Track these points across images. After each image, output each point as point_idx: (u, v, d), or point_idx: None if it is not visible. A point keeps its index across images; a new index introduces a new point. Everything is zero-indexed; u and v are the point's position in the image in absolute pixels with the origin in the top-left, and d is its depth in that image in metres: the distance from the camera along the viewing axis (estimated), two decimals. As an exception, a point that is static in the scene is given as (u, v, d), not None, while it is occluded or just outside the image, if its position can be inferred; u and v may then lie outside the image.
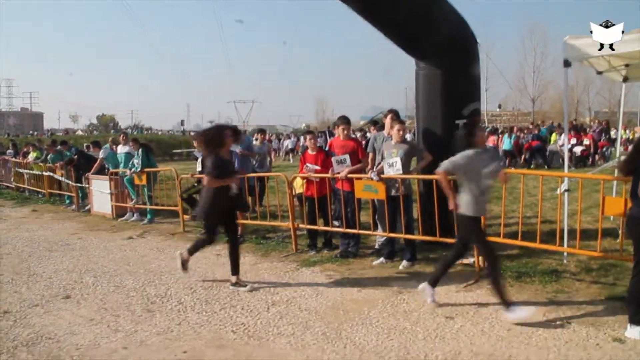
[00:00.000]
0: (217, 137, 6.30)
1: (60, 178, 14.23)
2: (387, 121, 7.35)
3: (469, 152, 5.13)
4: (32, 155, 16.41)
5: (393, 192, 6.87)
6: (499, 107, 60.22)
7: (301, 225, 8.07)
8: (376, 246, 7.77)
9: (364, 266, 7.02)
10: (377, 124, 8.46)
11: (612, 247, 6.52)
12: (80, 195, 13.37)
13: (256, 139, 10.95)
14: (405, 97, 58.59)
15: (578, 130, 21.64)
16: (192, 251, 6.45)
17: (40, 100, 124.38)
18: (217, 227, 6.39)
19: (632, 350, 4.36)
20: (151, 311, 5.60)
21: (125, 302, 5.93)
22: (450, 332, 4.83)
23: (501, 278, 5.11)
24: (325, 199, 7.63)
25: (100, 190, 12.11)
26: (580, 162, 19.41)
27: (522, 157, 21.14)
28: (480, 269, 6.32)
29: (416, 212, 7.30)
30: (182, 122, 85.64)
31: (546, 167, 19.75)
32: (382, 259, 7.12)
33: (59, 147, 15.28)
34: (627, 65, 7.54)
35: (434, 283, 5.45)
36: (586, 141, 20.64)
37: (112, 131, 66.06)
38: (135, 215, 11.36)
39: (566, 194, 6.47)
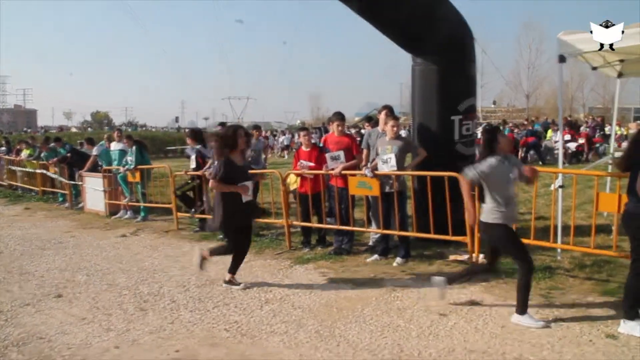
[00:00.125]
0: (232, 138, 6.03)
1: (53, 175, 14.14)
2: (382, 117, 7.32)
3: (493, 161, 4.86)
4: (25, 153, 16.31)
5: (387, 189, 6.86)
6: (494, 103, 60.30)
7: (295, 223, 8.05)
8: (370, 243, 7.76)
9: (358, 263, 6.99)
10: (372, 120, 8.43)
11: (606, 244, 6.51)
12: (73, 192, 13.30)
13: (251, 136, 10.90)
14: (400, 93, 58.58)
15: (572, 127, 21.67)
16: (216, 253, 6.29)
17: (33, 97, 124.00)
18: (242, 233, 6.20)
19: (625, 347, 4.36)
20: (144, 310, 5.56)
21: (118, 300, 5.89)
22: (444, 330, 4.81)
23: (531, 287, 4.95)
24: (319, 195, 7.60)
25: (93, 188, 12.04)
26: (574, 158, 19.44)
27: (519, 153, 21.16)
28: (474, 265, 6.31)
29: (410, 208, 7.29)
30: (176, 119, 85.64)
31: (541, 163, 19.77)
32: (376, 256, 7.10)
33: (52, 144, 15.19)
34: (621, 61, 7.53)
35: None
36: (581, 140, 20.67)
37: (106, 128, 65.78)
38: (128, 212, 11.30)
39: (560, 190, 6.46)
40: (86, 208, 12.40)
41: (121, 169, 11.09)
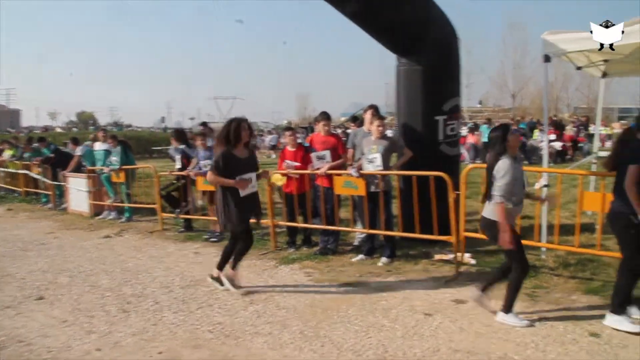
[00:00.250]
0: (235, 131, 5.74)
1: (36, 176, 14.00)
2: (367, 117, 7.30)
3: (507, 162, 4.74)
4: (7, 153, 16.12)
5: (373, 188, 6.83)
6: (480, 103, 60.51)
7: (280, 223, 8.01)
8: (355, 243, 7.75)
9: (343, 263, 6.97)
10: (357, 120, 8.41)
11: (590, 242, 6.53)
12: (57, 193, 13.17)
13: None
14: (386, 93, 58.64)
15: (558, 126, 21.79)
16: (236, 263, 6.03)
17: (17, 97, 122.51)
18: (246, 226, 5.96)
19: (608, 345, 4.39)
20: (127, 311, 5.50)
21: (101, 302, 5.82)
22: (429, 329, 4.80)
23: (521, 288, 4.93)
24: (305, 195, 7.57)
25: (77, 188, 11.93)
26: (559, 157, 19.56)
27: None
28: (459, 265, 6.33)
29: (396, 208, 7.28)
30: (162, 119, 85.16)
31: (526, 162, 19.87)
32: (361, 256, 7.08)
33: (35, 144, 15.03)
34: (606, 61, 7.57)
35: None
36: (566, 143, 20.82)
37: (90, 128, 65.23)
38: (112, 213, 11.20)
39: (545, 189, 6.47)
40: (70, 209, 12.28)
41: (105, 169, 10.99)
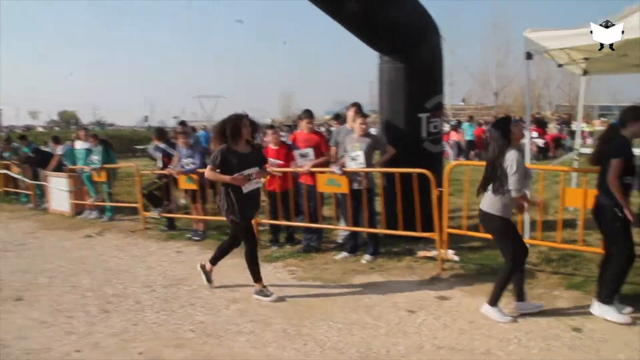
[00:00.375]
0: (234, 127, 5.51)
1: (16, 176, 13.81)
2: (350, 115, 7.28)
3: (516, 154, 4.69)
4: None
5: (356, 186, 6.82)
6: (463, 101, 60.85)
7: (263, 221, 7.97)
8: (339, 240, 7.72)
9: (327, 261, 6.94)
10: (340, 117, 8.40)
11: (572, 238, 6.58)
12: (37, 193, 12.98)
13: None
14: (370, 91, 58.71)
15: (540, 124, 21.97)
16: (256, 272, 5.78)
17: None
18: (252, 229, 5.91)
19: (589, 339, 4.42)
20: (107, 311, 5.43)
21: (81, 302, 5.74)
22: (412, 326, 4.80)
23: (508, 284, 4.92)
24: (288, 193, 7.53)
25: (58, 188, 11.77)
26: (541, 153, 19.73)
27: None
28: (443, 262, 6.34)
29: (379, 205, 7.27)
30: (145, 118, 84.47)
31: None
32: (344, 253, 7.06)
33: (14, 143, 14.83)
34: (586, 59, 7.61)
35: (493, 302, 4.93)
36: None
37: (72, 127, 64.52)
38: (94, 212, 11.07)
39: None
40: (51, 209, 12.11)
41: (86, 169, 10.86)
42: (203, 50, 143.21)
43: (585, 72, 8.31)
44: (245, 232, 5.79)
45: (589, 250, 5.94)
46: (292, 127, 15.53)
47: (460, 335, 4.60)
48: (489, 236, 6.30)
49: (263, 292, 5.66)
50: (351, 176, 6.80)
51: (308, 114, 7.59)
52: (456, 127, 22.50)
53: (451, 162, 9.52)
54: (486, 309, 4.90)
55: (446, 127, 21.44)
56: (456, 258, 6.64)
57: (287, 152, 7.57)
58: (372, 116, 11.55)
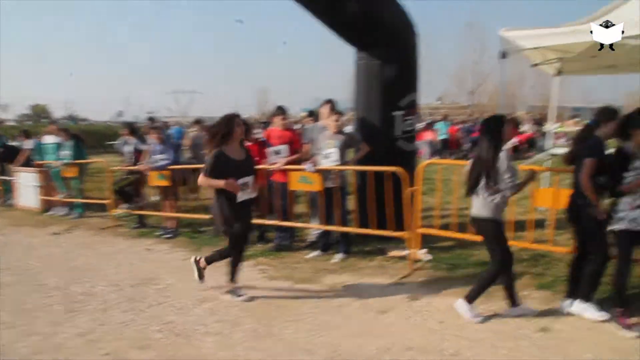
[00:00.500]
0: (226, 127, 5.32)
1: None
2: (324, 111, 7.22)
3: (506, 153, 4.66)
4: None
5: (329, 184, 6.77)
6: (439, 100, 61.28)
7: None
8: (311, 239, 7.67)
9: (298, 260, 6.89)
10: (314, 114, 8.34)
11: (542, 238, 6.62)
12: (4, 188, 12.69)
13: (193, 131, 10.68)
14: (347, 89, 58.75)
15: (514, 124, 22.17)
16: (233, 274, 5.60)
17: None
18: (246, 231, 5.59)
19: (557, 339, 4.46)
20: (73, 311, 5.31)
21: (46, 302, 5.61)
22: (382, 327, 4.78)
23: (490, 286, 4.90)
24: (260, 191, 7.44)
25: (26, 183, 11.53)
26: (515, 153, 19.92)
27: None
28: (414, 261, 6.33)
29: (351, 204, 7.24)
30: (120, 113, 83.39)
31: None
32: (316, 252, 7.02)
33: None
34: (560, 59, 7.66)
35: (470, 299, 4.91)
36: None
37: (43, 120, 63.35)
38: (63, 209, 10.86)
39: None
40: (18, 204, 11.85)
41: (55, 164, 10.65)
42: (180, 45, 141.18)
43: (558, 73, 8.37)
44: (240, 237, 5.52)
45: (559, 251, 5.98)
46: (266, 124, 15.46)
47: (430, 335, 4.59)
48: (462, 235, 6.35)
49: (235, 291, 5.58)
50: (324, 174, 6.75)
51: (281, 111, 7.52)
52: (430, 126, 22.61)
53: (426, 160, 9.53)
54: (460, 303, 4.89)
55: (420, 126, 21.53)
56: (428, 258, 6.64)
57: (260, 149, 7.49)
58: (348, 114, 11.51)
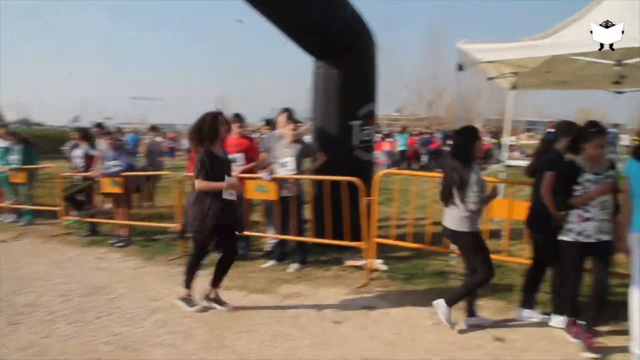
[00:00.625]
0: (211, 126, 5.07)
1: None
2: (281, 120, 7.16)
3: (477, 168, 4.66)
4: None
5: (285, 193, 6.70)
6: (398, 111, 62.07)
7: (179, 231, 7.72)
8: (267, 248, 7.57)
9: (254, 269, 6.78)
10: (271, 123, 8.27)
11: (497, 248, 6.68)
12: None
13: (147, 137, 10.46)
14: (307, 98, 58.85)
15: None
16: (189, 280, 5.39)
17: None
18: (210, 241, 5.28)
19: (512, 349, 4.49)
20: (15, 323, 5.07)
21: (-13, 313, 5.36)
22: (337, 337, 4.72)
23: (471, 293, 4.90)
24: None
25: (-29, 189, 11.08)
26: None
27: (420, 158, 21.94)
28: (370, 271, 6.31)
29: (308, 213, 7.18)
30: (76, 118, 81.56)
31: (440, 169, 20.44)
32: (272, 262, 6.93)
33: None
34: (515, 73, 7.80)
35: (450, 303, 4.89)
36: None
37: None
38: (11, 216, 10.48)
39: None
40: (-37, 211, 11.38)
41: (1, 169, 10.28)
42: (142, 50, 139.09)
43: (513, 87, 8.53)
44: (205, 242, 5.29)
45: (513, 261, 6.04)
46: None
47: (385, 346, 4.55)
48: (418, 246, 6.36)
49: (188, 300, 5.42)
50: (280, 183, 6.68)
51: (238, 118, 7.42)
52: (386, 137, 22.86)
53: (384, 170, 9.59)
54: (440, 303, 4.87)
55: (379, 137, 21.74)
56: (384, 267, 6.63)
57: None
58: (308, 123, 11.48)
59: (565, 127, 4.88)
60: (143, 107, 68.91)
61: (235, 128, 7.31)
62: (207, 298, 5.43)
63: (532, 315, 5.05)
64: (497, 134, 24.81)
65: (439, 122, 46.51)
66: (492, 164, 19.36)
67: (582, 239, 4.42)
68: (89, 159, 9.04)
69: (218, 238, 5.24)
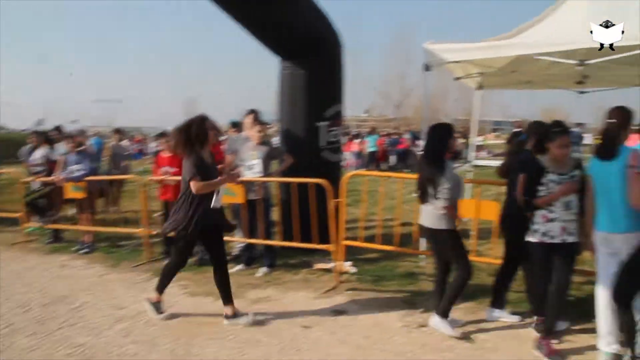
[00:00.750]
0: (200, 129, 4.93)
1: None
2: (247, 122, 7.07)
3: (451, 166, 4.68)
4: None
5: (252, 196, 6.61)
6: (366, 112, 62.29)
7: (154, 232, 7.57)
8: (234, 252, 7.46)
9: (222, 274, 6.66)
10: (238, 125, 8.16)
11: (465, 248, 6.70)
12: None
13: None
14: (275, 100, 58.71)
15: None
16: (162, 286, 5.26)
17: None
18: (192, 248, 5.27)
19: (482, 349, 4.49)
20: (-29, 336, 4.89)
21: (-59, 326, 5.14)
22: (306, 342, 4.65)
23: (460, 295, 4.85)
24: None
25: None
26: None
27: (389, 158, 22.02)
28: (340, 274, 6.25)
29: (276, 216, 7.10)
30: (40, 121, 79.97)
31: (408, 170, 20.52)
32: (240, 266, 6.83)
33: None
34: (481, 73, 7.83)
35: (444, 314, 4.83)
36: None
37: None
38: (-30, 223, 10.15)
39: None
40: None
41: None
42: (110, 52, 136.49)
43: (479, 87, 8.56)
44: (187, 247, 5.20)
45: (482, 261, 6.04)
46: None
47: (355, 350, 4.50)
48: (386, 247, 6.33)
49: (157, 306, 5.26)
50: (247, 185, 6.59)
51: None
52: (356, 138, 22.91)
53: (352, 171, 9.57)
54: (436, 321, 4.81)
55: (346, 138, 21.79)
56: (353, 270, 6.58)
57: (181, 160, 7.21)
58: (275, 126, 11.39)
59: (536, 128, 4.90)
60: (110, 110, 67.66)
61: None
62: (229, 317, 5.15)
63: (502, 315, 5.06)
64: (465, 134, 25.08)
65: (407, 122, 46.78)
66: (461, 164, 19.52)
67: (547, 239, 4.42)
68: (50, 164, 8.79)
69: (205, 240, 5.17)
